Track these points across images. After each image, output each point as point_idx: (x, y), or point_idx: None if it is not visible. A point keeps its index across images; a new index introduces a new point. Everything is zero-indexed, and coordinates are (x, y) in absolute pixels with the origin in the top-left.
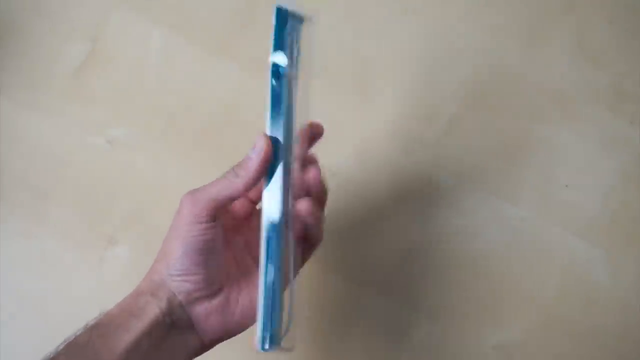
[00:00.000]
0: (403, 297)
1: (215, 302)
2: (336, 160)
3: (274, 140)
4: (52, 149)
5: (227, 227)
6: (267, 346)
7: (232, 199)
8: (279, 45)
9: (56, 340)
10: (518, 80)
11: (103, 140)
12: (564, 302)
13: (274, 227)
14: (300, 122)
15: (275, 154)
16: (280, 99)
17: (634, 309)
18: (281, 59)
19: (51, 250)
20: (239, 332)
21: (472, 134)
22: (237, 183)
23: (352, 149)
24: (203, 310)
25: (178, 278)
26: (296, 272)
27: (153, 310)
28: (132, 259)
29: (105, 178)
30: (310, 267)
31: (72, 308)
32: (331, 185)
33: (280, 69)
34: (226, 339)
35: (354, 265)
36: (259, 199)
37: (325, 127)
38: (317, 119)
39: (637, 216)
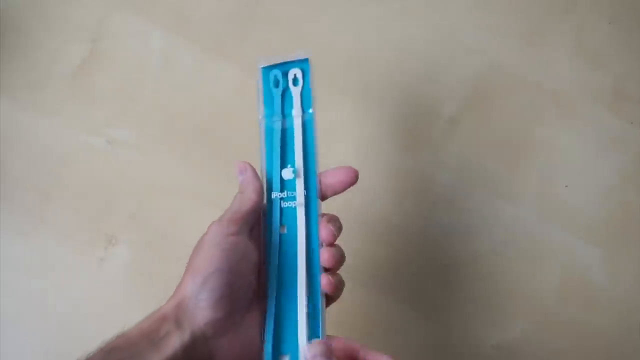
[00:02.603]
0: (403, 297)
1: (238, 336)
2: (336, 160)
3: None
4: (52, 149)
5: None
6: None
7: (250, 210)
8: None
9: (56, 340)
10: (518, 80)
11: (103, 140)
12: (563, 302)
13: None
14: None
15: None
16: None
17: (633, 308)
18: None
19: (51, 250)
20: None
21: (472, 134)
22: (247, 195)
23: (352, 149)
24: (225, 344)
25: (204, 303)
26: None
27: (174, 343)
28: (132, 259)
29: (105, 178)
30: None
31: (73, 308)
32: None
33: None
34: None
35: (353, 265)
36: None
37: (325, 127)
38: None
39: (636, 216)
